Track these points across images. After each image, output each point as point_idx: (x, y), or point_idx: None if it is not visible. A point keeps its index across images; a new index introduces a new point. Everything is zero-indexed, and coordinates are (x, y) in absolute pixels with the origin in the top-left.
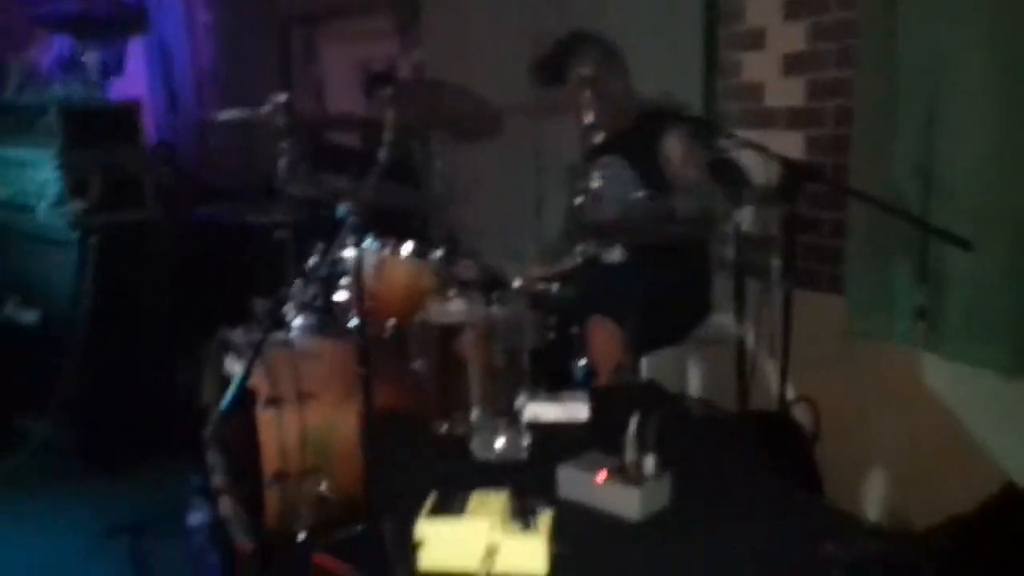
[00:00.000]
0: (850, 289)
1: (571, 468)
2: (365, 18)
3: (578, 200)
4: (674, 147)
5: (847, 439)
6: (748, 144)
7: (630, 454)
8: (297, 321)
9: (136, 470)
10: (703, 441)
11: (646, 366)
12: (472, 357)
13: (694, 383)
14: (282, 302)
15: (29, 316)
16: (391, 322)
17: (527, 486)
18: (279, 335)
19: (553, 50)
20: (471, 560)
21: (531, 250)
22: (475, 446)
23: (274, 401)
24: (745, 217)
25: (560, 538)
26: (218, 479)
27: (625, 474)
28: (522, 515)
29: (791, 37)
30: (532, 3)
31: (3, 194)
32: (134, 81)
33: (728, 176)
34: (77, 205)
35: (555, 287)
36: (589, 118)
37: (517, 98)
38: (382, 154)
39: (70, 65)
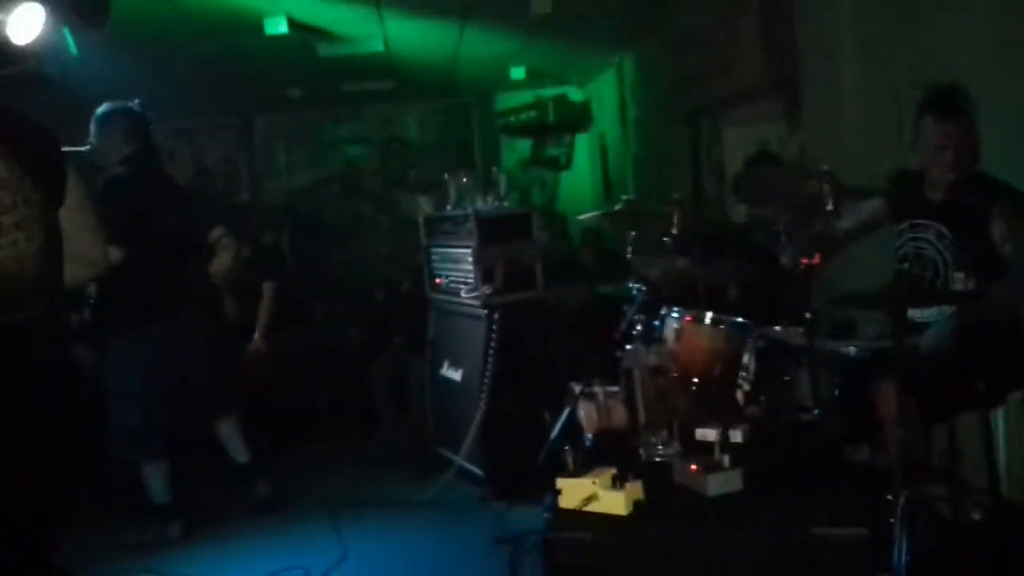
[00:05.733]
0: None
1: (681, 462)
2: (759, 103)
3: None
4: (1000, 226)
5: None
6: None
7: (717, 452)
8: None
9: (525, 493)
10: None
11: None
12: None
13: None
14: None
15: (455, 374)
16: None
17: (652, 475)
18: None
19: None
20: (579, 501)
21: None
22: (641, 450)
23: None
24: None
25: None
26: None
27: (708, 465)
28: (619, 480)
29: None
30: (896, 81)
31: (443, 283)
32: (578, 172)
33: None
34: (486, 289)
35: (852, 348)
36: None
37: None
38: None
39: (529, 164)
